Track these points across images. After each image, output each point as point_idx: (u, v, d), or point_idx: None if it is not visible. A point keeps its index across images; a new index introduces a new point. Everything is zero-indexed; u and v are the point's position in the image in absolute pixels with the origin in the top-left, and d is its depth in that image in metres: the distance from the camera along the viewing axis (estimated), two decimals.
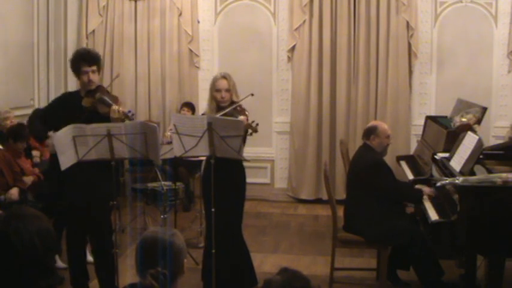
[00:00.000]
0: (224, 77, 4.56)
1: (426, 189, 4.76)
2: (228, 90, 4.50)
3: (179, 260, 2.42)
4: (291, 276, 1.95)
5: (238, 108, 4.49)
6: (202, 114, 4.61)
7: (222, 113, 4.40)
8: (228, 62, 7.87)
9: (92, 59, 4.45)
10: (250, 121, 4.30)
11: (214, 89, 4.55)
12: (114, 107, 4.26)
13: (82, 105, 4.36)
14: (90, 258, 4.83)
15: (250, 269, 4.74)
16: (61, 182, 4.40)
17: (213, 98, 4.56)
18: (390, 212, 4.70)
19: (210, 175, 4.30)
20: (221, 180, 4.38)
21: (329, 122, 7.83)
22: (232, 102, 4.53)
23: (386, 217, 4.65)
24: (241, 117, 4.33)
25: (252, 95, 4.53)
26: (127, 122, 4.20)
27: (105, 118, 4.29)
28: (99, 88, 4.45)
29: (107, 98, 4.35)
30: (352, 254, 5.59)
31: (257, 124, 4.26)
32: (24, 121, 7.09)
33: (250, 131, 4.26)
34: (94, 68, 4.42)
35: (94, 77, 4.42)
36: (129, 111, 4.38)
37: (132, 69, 8.10)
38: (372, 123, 5.14)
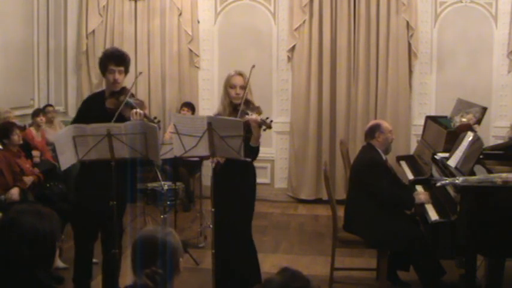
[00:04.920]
0: (240, 74, 4.50)
1: (421, 197, 4.66)
2: (243, 87, 4.43)
3: (174, 259, 2.44)
4: (290, 276, 1.95)
5: (251, 106, 4.44)
6: (216, 115, 4.52)
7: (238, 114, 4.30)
8: (228, 62, 7.86)
9: (120, 59, 4.38)
10: (264, 117, 4.23)
11: (228, 85, 4.48)
12: (135, 110, 4.17)
13: (105, 107, 4.28)
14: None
15: (256, 270, 4.70)
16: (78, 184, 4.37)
17: (226, 94, 4.49)
18: (390, 214, 4.68)
19: (219, 176, 4.28)
20: (232, 181, 4.38)
21: (329, 122, 7.83)
22: (247, 101, 4.46)
23: (385, 219, 4.64)
24: (255, 116, 4.26)
25: (253, 66, 4.36)
26: (127, 122, 4.17)
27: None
28: (124, 90, 4.34)
29: (132, 102, 4.26)
30: (352, 254, 5.59)
31: (271, 121, 4.21)
32: (25, 121, 7.10)
33: (264, 127, 4.22)
34: (121, 68, 4.35)
35: (120, 77, 4.34)
36: (155, 118, 4.29)
37: (132, 69, 8.07)
38: (372, 122, 5.10)
